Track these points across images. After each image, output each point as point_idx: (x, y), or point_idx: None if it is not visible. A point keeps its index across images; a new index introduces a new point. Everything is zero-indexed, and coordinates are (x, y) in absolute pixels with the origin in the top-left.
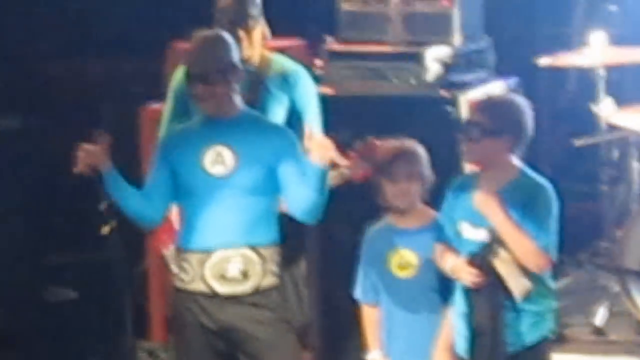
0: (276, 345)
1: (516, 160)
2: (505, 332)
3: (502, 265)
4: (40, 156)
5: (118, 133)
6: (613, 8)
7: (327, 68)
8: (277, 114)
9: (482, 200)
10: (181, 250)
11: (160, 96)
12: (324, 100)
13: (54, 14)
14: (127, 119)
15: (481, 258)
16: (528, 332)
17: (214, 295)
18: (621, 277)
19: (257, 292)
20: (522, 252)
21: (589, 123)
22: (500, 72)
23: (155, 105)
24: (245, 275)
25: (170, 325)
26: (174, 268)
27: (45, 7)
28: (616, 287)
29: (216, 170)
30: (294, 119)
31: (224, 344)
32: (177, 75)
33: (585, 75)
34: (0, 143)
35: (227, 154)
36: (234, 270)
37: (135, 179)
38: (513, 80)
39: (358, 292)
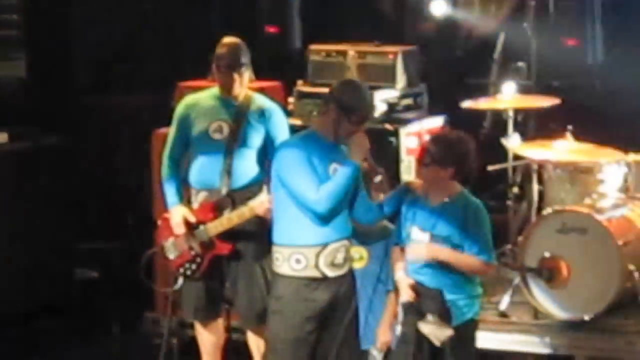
0: (351, 310)
1: (457, 183)
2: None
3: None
4: (73, 167)
5: (134, 150)
6: (521, 64)
7: (297, 104)
8: (255, 140)
9: (430, 252)
10: (293, 246)
11: (167, 123)
12: (295, 130)
13: (87, 55)
14: (141, 140)
15: (417, 286)
16: (462, 313)
17: (323, 279)
18: (521, 272)
19: (349, 273)
20: (472, 269)
21: (500, 153)
22: (432, 111)
23: (163, 130)
24: (345, 260)
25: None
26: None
27: (81, 49)
28: (517, 280)
29: None
30: (269, 145)
31: (319, 314)
32: (180, 106)
33: (498, 116)
34: (42, 156)
35: None
36: (340, 258)
37: (146, 185)
38: (442, 118)
39: None
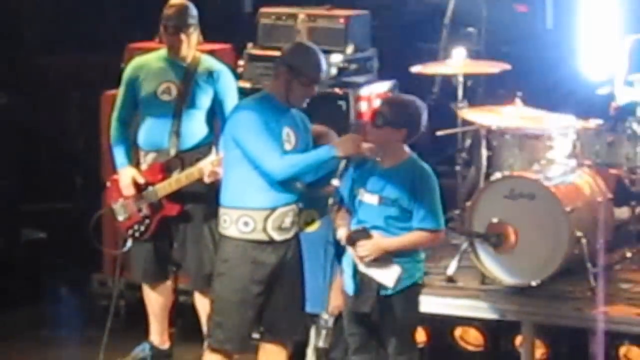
0: (297, 273)
1: (407, 148)
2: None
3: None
4: (22, 126)
5: (83, 112)
6: (471, 30)
7: (247, 67)
8: (203, 102)
9: (378, 247)
10: (242, 209)
11: (117, 84)
12: (244, 92)
13: (37, 15)
14: (91, 101)
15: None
16: (405, 277)
17: (270, 242)
18: (469, 238)
19: (295, 236)
20: (423, 244)
21: (449, 118)
22: (382, 76)
23: (112, 92)
24: (293, 224)
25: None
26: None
27: (32, 8)
28: (465, 246)
29: (286, 147)
30: (217, 106)
31: (266, 277)
32: (128, 68)
33: (447, 81)
34: None
35: (292, 135)
36: (288, 222)
37: (95, 146)
38: (391, 83)
39: None
